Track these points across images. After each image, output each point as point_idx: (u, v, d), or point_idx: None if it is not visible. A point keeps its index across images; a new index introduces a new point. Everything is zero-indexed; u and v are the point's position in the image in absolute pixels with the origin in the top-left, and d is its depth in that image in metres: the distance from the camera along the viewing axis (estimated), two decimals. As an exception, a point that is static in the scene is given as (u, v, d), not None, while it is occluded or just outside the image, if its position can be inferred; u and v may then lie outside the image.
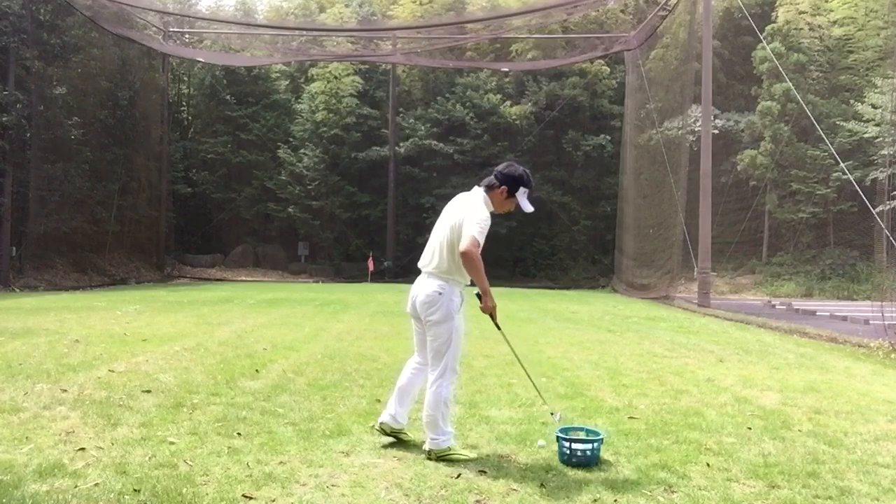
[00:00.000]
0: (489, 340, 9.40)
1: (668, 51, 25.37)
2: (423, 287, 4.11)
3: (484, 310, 4.07)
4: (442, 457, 3.98)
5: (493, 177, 4.14)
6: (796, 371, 7.50)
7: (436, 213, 4.52)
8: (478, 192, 4.13)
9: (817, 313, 16.21)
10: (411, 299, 4.21)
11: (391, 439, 4.31)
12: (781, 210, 25.71)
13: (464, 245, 3.85)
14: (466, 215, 3.96)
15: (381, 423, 4.27)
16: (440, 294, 4.03)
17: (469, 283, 4.16)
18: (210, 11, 36.29)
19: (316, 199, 30.49)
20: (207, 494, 3.34)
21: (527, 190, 4.14)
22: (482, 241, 3.90)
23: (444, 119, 29.96)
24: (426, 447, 4.05)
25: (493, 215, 4.12)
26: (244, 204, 31.76)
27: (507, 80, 31.56)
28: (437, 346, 4.06)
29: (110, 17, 23.35)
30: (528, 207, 4.18)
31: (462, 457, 3.97)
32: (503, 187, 4.10)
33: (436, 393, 4.06)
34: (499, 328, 4.29)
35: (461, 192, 4.35)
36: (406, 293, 4.41)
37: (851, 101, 23.78)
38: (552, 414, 4.31)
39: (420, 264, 4.21)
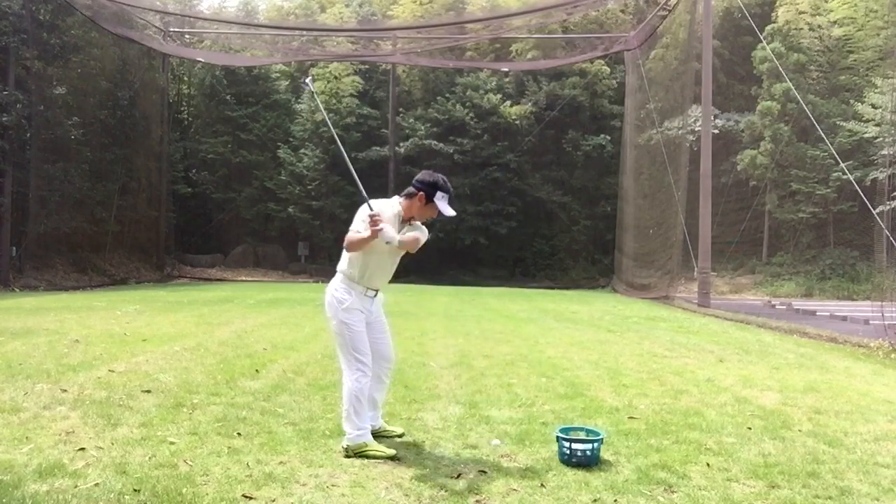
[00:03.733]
0: (489, 340, 9.41)
1: (668, 51, 25.37)
2: (328, 287, 4.35)
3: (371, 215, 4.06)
4: (359, 453, 4.03)
5: (411, 186, 4.28)
6: (796, 371, 7.50)
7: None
8: (394, 200, 4.30)
9: (817, 313, 16.21)
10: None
11: (389, 440, 4.34)
12: (781, 210, 25.70)
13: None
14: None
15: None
16: (333, 294, 4.25)
17: (375, 292, 4.33)
18: (211, 11, 36.27)
19: (316, 199, 30.48)
20: (207, 494, 3.34)
21: (445, 195, 4.24)
22: (363, 228, 4.04)
23: (444, 119, 29.95)
24: (343, 444, 4.12)
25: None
26: (244, 204, 31.74)
27: (507, 80, 31.54)
28: (339, 342, 4.25)
29: (110, 17, 23.30)
30: (449, 212, 4.26)
31: (379, 453, 4.01)
32: (420, 194, 4.21)
33: (348, 388, 4.16)
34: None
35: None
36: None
37: (851, 101, 23.76)
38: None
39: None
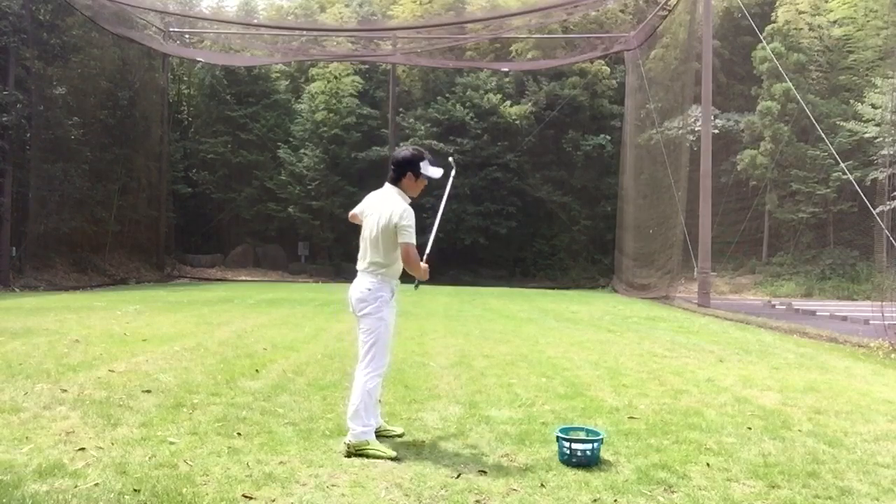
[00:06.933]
0: (489, 340, 9.41)
1: (668, 51, 25.35)
2: (357, 285, 4.29)
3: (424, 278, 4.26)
4: (359, 450, 4.02)
5: (392, 171, 4.30)
6: (796, 371, 7.50)
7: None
8: (390, 190, 4.28)
9: (817, 313, 16.21)
10: (349, 299, 4.34)
11: (389, 439, 4.34)
12: (781, 210, 25.69)
13: (404, 257, 4.15)
14: (395, 221, 4.13)
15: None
16: (369, 290, 4.21)
17: (399, 282, 4.37)
18: (211, 11, 36.26)
19: (316, 199, 30.46)
20: (207, 494, 3.34)
21: (427, 161, 4.28)
22: (414, 240, 4.15)
23: (444, 119, 29.93)
24: (346, 439, 4.11)
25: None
26: (244, 204, 31.72)
27: (507, 80, 31.52)
28: (366, 338, 4.22)
29: (110, 17, 23.30)
30: (437, 173, 4.27)
31: (379, 453, 3.99)
32: (409, 173, 4.25)
33: (363, 385, 4.16)
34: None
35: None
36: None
37: (851, 101, 23.75)
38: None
39: (357, 266, 4.37)
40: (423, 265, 4.22)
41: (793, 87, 21.35)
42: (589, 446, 3.93)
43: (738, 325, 13.19)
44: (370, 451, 4.01)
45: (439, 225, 4.63)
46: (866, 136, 22.29)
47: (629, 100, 26.81)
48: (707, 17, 18.85)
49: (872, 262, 19.72)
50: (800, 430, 4.84)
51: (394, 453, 4.01)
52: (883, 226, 12.72)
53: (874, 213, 13.92)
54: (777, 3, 26.42)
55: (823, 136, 18.52)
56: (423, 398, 5.54)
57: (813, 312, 16.40)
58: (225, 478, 3.57)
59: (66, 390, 5.45)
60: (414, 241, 4.14)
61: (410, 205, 4.27)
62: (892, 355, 9.14)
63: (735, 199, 26.49)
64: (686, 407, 5.45)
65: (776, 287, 24.24)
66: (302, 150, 31.04)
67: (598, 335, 10.46)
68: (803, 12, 25.71)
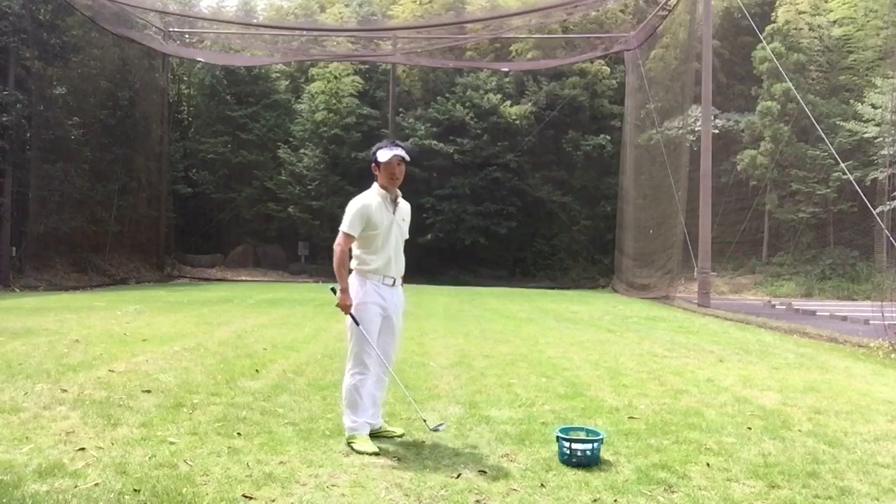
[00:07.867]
0: (489, 340, 9.41)
1: (668, 51, 25.35)
2: None
3: (337, 304, 4.27)
4: (349, 442, 4.17)
5: None
6: (796, 371, 7.50)
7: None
8: (374, 187, 4.40)
9: (817, 313, 16.21)
10: None
11: (389, 440, 4.35)
12: (781, 210, 25.70)
13: (335, 245, 4.24)
14: None
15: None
16: (350, 285, 4.31)
17: (392, 280, 4.37)
18: (211, 11, 36.27)
19: (316, 199, 30.47)
20: (207, 494, 3.34)
21: (383, 148, 4.33)
22: (353, 231, 4.21)
23: (444, 119, 29.93)
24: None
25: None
26: (244, 204, 31.73)
27: (507, 80, 31.53)
28: (348, 336, 4.35)
29: (110, 17, 23.30)
30: (386, 156, 4.28)
31: (360, 450, 4.07)
32: (373, 165, 4.36)
33: (346, 382, 4.31)
34: (357, 323, 4.29)
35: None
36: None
37: (851, 101, 23.76)
38: (426, 422, 4.53)
39: None
40: (347, 300, 4.20)
41: (793, 87, 21.36)
42: (589, 446, 3.93)
43: (738, 325, 13.19)
44: (354, 445, 4.12)
45: None
46: (866, 136, 22.30)
47: (629, 100, 26.81)
48: (707, 17, 18.85)
49: (872, 262, 19.73)
50: (800, 430, 4.84)
51: (376, 450, 4.06)
52: (883, 226, 12.73)
53: (874, 213, 13.92)
54: (777, 3, 26.42)
55: (823, 136, 18.51)
56: (423, 398, 5.54)
57: (813, 312, 16.40)
58: (225, 478, 3.57)
59: (66, 390, 5.45)
60: (347, 230, 4.20)
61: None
62: (892, 355, 9.14)
63: (735, 199, 26.48)
64: (686, 407, 5.45)
65: (776, 287, 24.24)
66: (302, 150, 31.04)
67: (598, 335, 10.46)
68: (803, 12, 25.71)
